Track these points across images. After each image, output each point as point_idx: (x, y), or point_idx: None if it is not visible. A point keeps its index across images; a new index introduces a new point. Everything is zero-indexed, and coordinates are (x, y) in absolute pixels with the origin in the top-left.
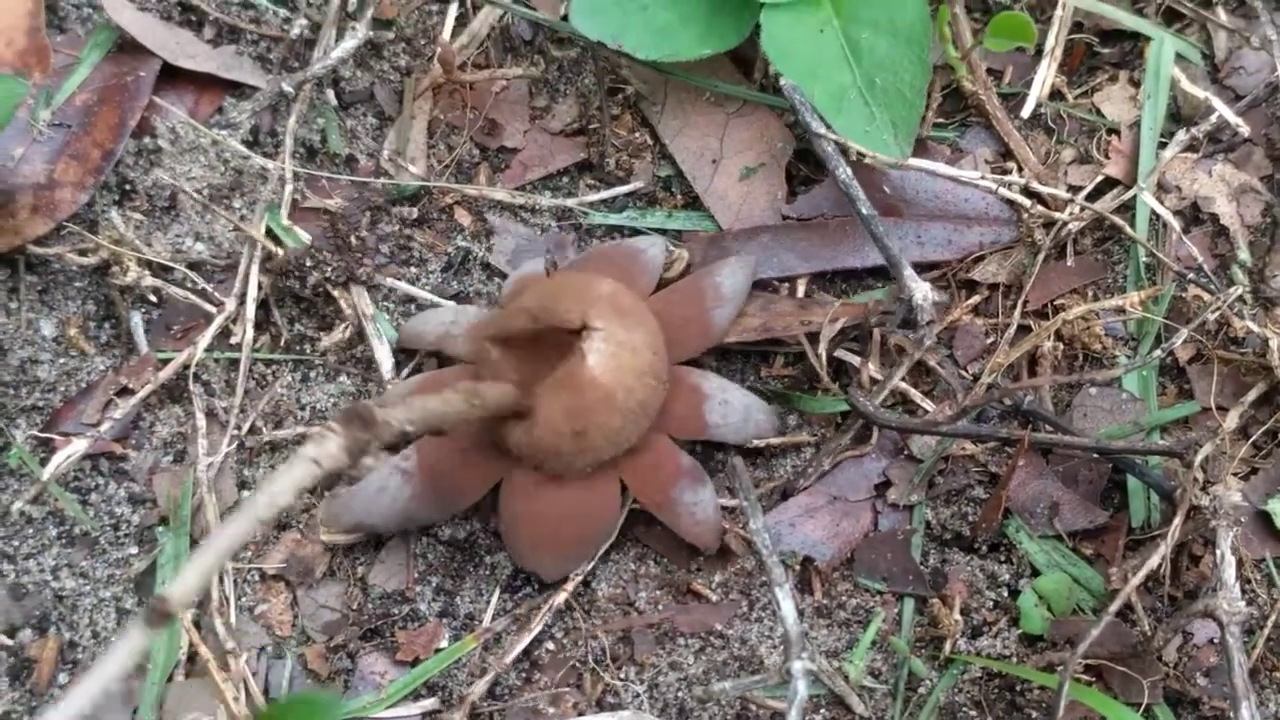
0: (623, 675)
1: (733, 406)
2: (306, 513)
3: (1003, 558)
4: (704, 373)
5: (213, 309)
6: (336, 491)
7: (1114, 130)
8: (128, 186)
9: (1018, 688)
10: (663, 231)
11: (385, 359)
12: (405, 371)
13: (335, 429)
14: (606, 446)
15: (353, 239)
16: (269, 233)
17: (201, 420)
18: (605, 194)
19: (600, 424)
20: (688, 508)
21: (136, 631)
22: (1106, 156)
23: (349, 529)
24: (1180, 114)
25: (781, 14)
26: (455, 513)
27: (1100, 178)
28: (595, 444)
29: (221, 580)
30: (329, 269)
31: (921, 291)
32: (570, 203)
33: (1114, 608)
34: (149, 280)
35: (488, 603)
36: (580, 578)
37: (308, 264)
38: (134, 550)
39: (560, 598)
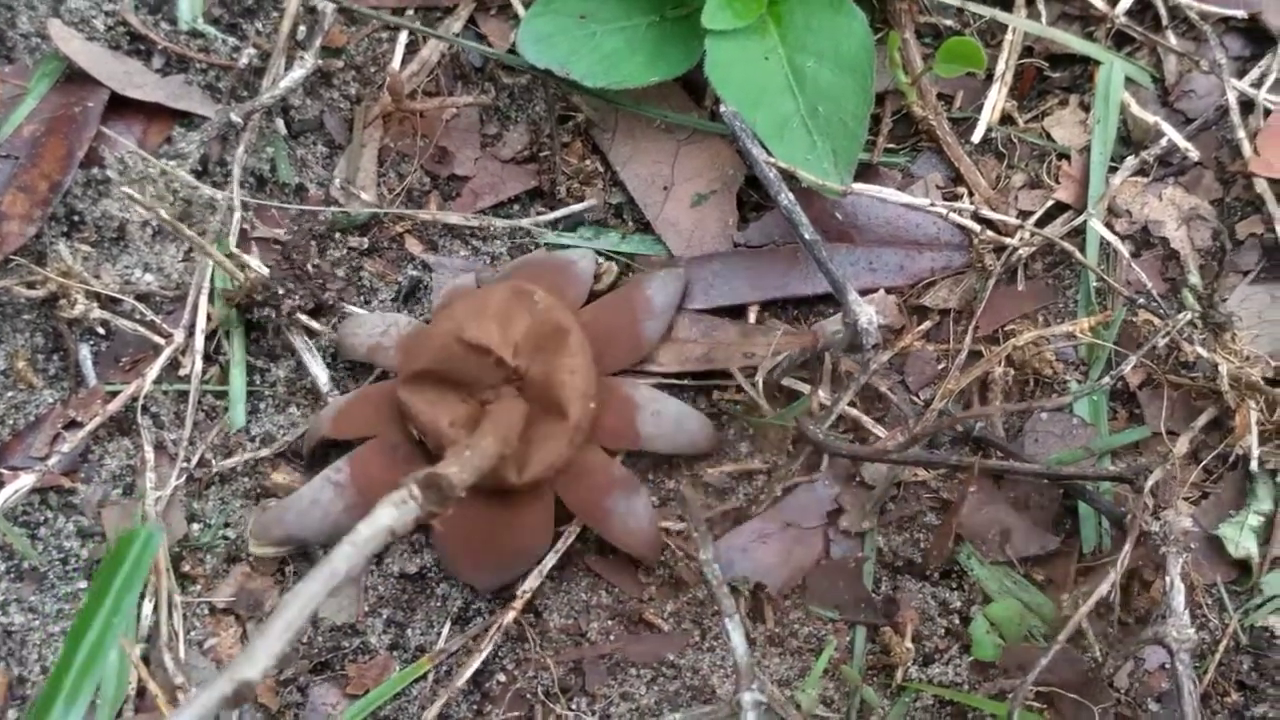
0: (574, 706)
1: (665, 417)
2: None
3: (954, 584)
4: (635, 383)
5: (161, 340)
6: (266, 504)
7: (1064, 155)
8: (76, 218)
9: (969, 715)
10: (615, 255)
11: (323, 379)
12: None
13: (417, 497)
14: (537, 465)
15: (309, 266)
16: (217, 264)
17: (150, 453)
18: (560, 212)
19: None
20: (621, 517)
21: (211, 704)
22: (1057, 181)
23: (279, 542)
24: (1130, 138)
25: (727, 42)
26: None
27: (1051, 202)
28: (525, 464)
29: (170, 614)
30: (296, 298)
31: (866, 315)
32: (525, 222)
33: (1065, 634)
34: (97, 312)
35: (438, 634)
36: (527, 596)
37: (280, 292)
38: (83, 584)
39: (509, 616)
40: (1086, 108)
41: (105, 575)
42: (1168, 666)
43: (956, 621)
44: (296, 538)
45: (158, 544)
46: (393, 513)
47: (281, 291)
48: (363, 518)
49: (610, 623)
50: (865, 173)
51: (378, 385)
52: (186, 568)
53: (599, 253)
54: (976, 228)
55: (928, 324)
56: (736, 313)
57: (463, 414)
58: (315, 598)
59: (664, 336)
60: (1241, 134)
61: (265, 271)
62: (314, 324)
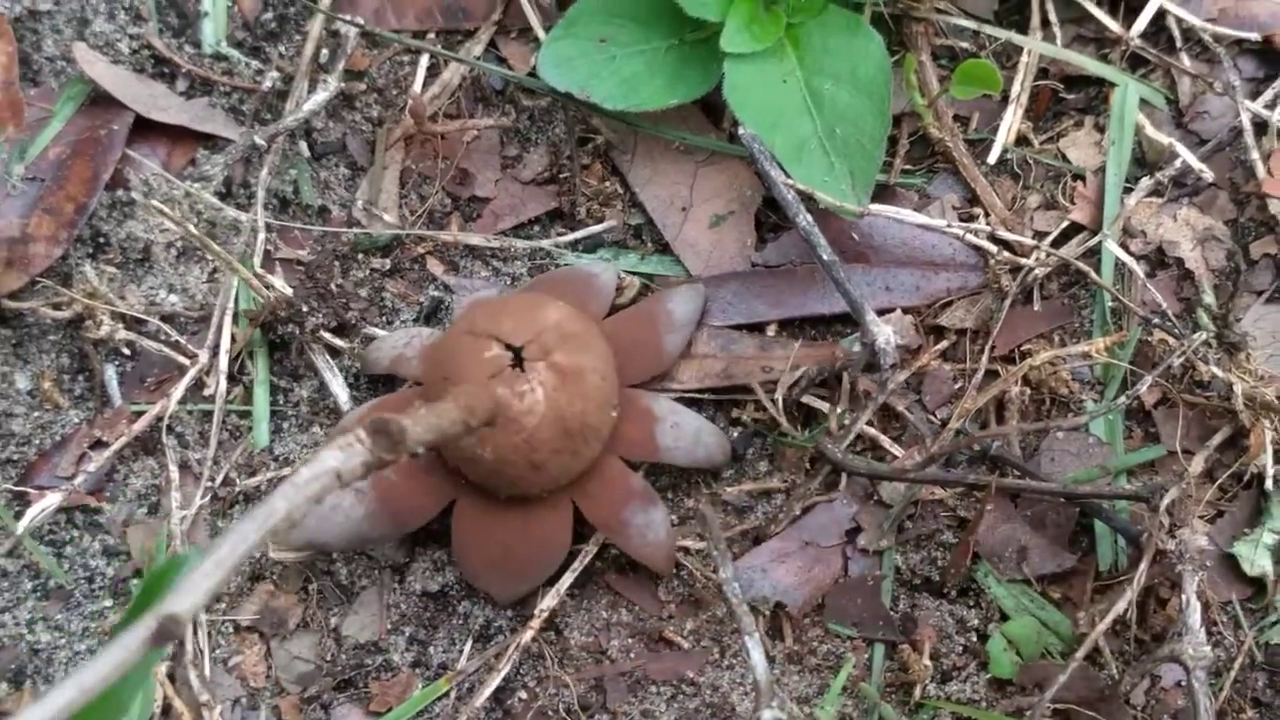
0: None
1: (684, 430)
2: (280, 564)
3: (972, 602)
4: (655, 396)
5: (186, 361)
6: None
7: (1079, 176)
8: (101, 239)
9: None
10: (634, 275)
11: (344, 398)
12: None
13: (364, 441)
14: (557, 472)
15: (333, 286)
16: (242, 281)
17: (175, 472)
18: (580, 233)
19: (549, 451)
20: (639, 529)
21: (136, 643)
22: (1072, 202)
23: (300, 547)
24: (1145, 159)
25: (745, 65)
26: (407, 532)
27: (1066, 223)
28: (546, 469)
29: (195, 632)
30: (320, 315)
31: (884, 335)
32: (545, 243)
33: (1082, 652)
34: (122, 333)
35: (460, 652)
36: (547, 614)
37: (304, 309)
38: (109, 603)
39: (529, 634)
40: (1101, 129)
41: (142, 603)
42: (1184, 684)
43: (974, 639)
44: (317, 543)
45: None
46: (339, 455)
47: (305, 309)
48: (383, 525)
49: (630, 640)
50: (882, 194)
51: (398, 393)
52: None
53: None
54: (992, 248)
55: (944, 344)
56: (754, 332)
57: None
58: (249, 535)
59: (684, 351)
60: (1255, 155)
61: (289, 291)
62: (338, 342)
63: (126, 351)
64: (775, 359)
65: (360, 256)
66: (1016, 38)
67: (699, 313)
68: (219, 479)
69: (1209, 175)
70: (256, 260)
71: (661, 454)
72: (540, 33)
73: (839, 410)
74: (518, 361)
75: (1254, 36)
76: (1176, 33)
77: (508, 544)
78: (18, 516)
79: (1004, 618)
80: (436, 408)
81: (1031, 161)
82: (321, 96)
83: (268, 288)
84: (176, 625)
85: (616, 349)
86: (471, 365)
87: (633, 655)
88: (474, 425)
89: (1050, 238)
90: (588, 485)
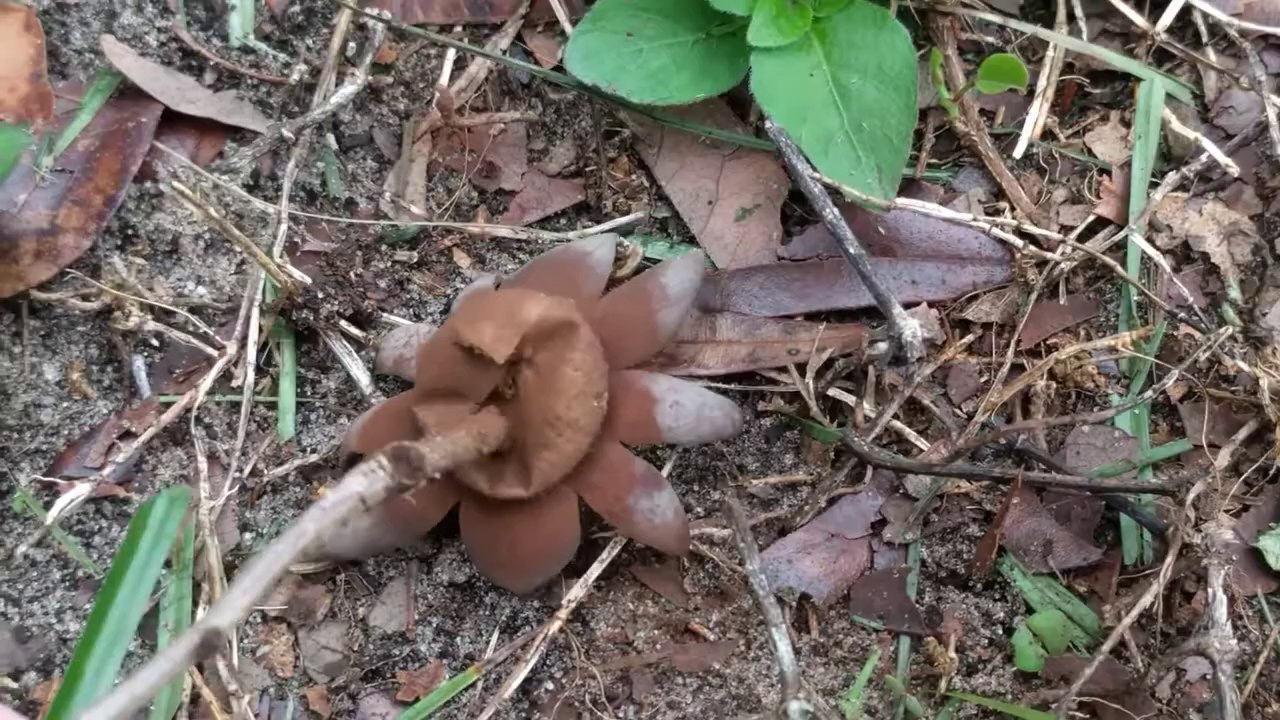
0: (621, 715)
1: (685, 408)
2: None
3: (997, 595)
4: (654, 375)
5: (214, 352)
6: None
7: (1105, 170)
8: (130, 231)
9: None
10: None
11: (367, 388)
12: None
13: (386, 468)
14: (545, 468)
15: (351, 274)
16: (264, 268)
17: (203, 463)
18: (606, 226)
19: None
20: (645, 514)
21: (181, 654)
22: (1098, 196)
23: (316, 559)
24: (1171, 153)
25: (771, 58)
26: (418, 537)
27: (1092, 217)
28: (533, 473)
29: None
30: (335, 303)
31: (910, 328)
32: (572, 235)
33: (1108, 645)
34: (151, 324)
35: (487, 643)
36: (574, 605)
37: (320, 295)
38: None
39: (554, 626)
40: (1127, 124)
41: (130, 540)
42: (1209, 677)
43: (1000, 632)
44: (331, 554)
45: (184, 507)
46: (362, 481)
47: (321, 295)
48: (392, 533)
49: (656, 632)
50: (908, 188)
51: (399, 397)
52: None
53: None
54: (1018, 242)
55: (970, 337)
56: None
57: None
58: (283, 555)
59: (707, 336)
60: None
61: (308, 279)
62: (357, 331)
63: (155, 343)
64: (801, 342)
65: (384, 248)
66: (1042, 32)
67: (697, 281)
68: (247, 469)
69: (1235, 170)
70: (276, 250)
71: (663, 435)
72: (567, 26)
73: (865, 403)
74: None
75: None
76: (1202, 27)
77: (514, 543)
78: (47, 506)
79: (1029, 611)
80: (452, 437)
81: (1057, 156)
82: (349, 90)
83: (290, 277)
84: (218, 638)
85: (609, 331)
86: (472, 376)
87: (659, 647)
88: (486, 451)
89: (1076, 232)
90: (589, 475)
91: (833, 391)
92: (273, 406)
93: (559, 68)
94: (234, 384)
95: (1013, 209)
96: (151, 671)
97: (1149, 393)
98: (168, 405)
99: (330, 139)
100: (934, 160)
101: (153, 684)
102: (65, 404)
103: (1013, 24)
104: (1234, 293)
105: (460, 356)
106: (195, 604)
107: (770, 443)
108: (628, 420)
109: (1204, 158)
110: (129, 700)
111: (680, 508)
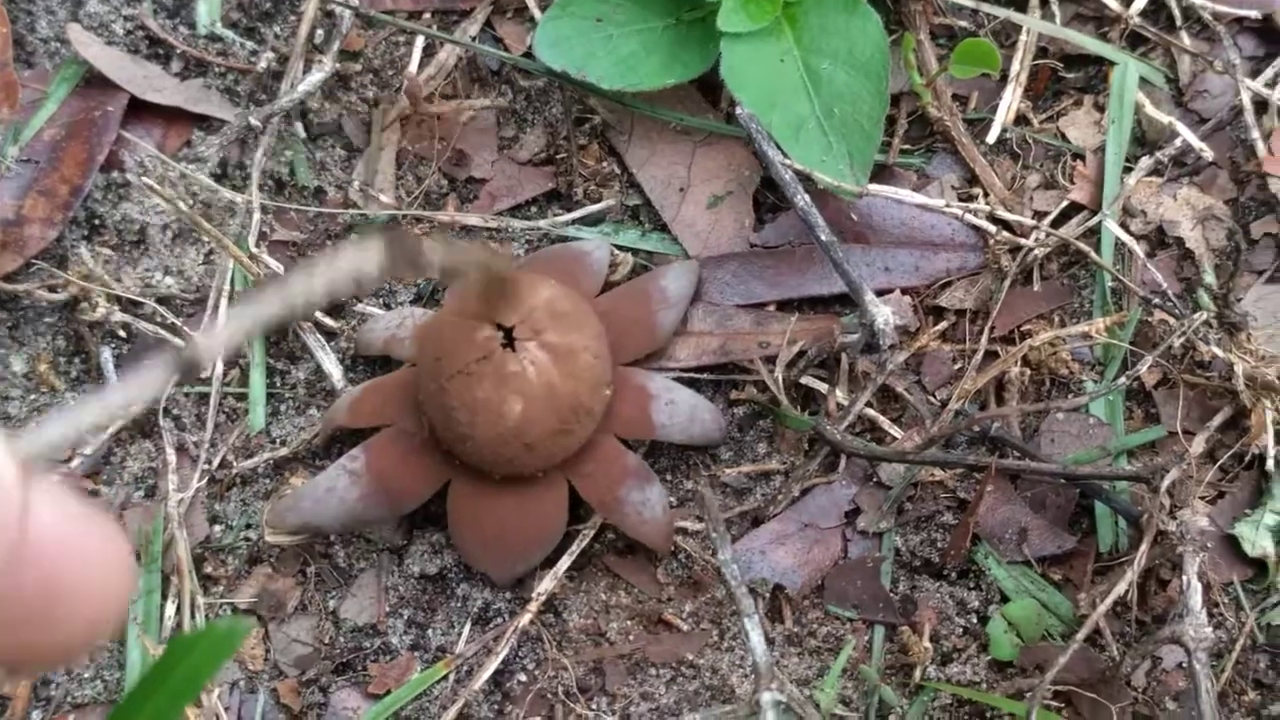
0: (594, 706)
1: (679, 407)
2: (277, 548)
3: (972, 584)
4: (650, 373)
5: (182, 344)
6: (282, 492)
7: (1079, 155)
8: (96, 221)
9: (988, 714)
10: (634, 251)
11: (338, 379)
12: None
13: (380, 250)
14: (550, 452)
15: None
16: (234, 260)
17: (172, 455)
18: (577, 214)
19: (541, 430)
20: (635, 507)
21: (160, 373)
22: (1072, 181)
23: (295, 530)
24: (1145, 138)
25: (742, 44)
26: (403, 514)
27: (1066, 203)
28: (539, 450)
29: (193, 615)
30: None
31: (883, 316)
32: (543, 223)
33: (1082, 634)
34: (118, 315)
35: (459, 635)
36: (545, 596)
37: None
38: None
39: (526, 618)
40: (1101, 108)
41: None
42: (1185, 665)
43: (974, 621)
44: (312, 525)
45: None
46: (354, 254)
47: None
48: (379, 507)
49: (629, 623)
50: (881, 174)
51: (392, 374)
52: (209, 569)
53: (616, 247)
54: (992, 228)
55: (944, 324)
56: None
57: None
58: (272, 301)
59: (679, 328)
60: (1255, 134)
61: (279, 270)
62: (330, 322)
63: (123, 334)
64: (772, 334)
65: (354, 236)
66: (1015, 16)
67: (693, 289)
68: (216, 461)
69: (1209, 154)
70: (251, 240)
71: (657, 431)
72: (536, 12)
73: (838, 391)
74: (509, 341)
75: (1254, 14)
76: (1176, 11)
77: (503, 525)
78: None
79: (1004, 599)
80: (458, 245)
81: (1031, 141)
82: (317, 77)
83: (261, 267)
84: (197, 358)
85: (609, 327)
86: (463, 345)
87: (632, 637)
88: (487, 290)
89: (1050, 218)
90: (583, 464)
91: (805, 380)
92: (242, 398)
93: (528, 54)
94: (202, 375)
95: (986, 195)
96: (126, 385)
97: (1123, 379)
98: None
99: (298, 127)
100: (906, 146)
101: (126, 399)
102: (33, 396)
103: (986, 8)
104: (1208, 278)
105: (461, 332)
106: (164, 597)
107: (743, 432)
108: (624, 414)
109: (1178, 142)
110: (101, 411)
111: (668, 504)
